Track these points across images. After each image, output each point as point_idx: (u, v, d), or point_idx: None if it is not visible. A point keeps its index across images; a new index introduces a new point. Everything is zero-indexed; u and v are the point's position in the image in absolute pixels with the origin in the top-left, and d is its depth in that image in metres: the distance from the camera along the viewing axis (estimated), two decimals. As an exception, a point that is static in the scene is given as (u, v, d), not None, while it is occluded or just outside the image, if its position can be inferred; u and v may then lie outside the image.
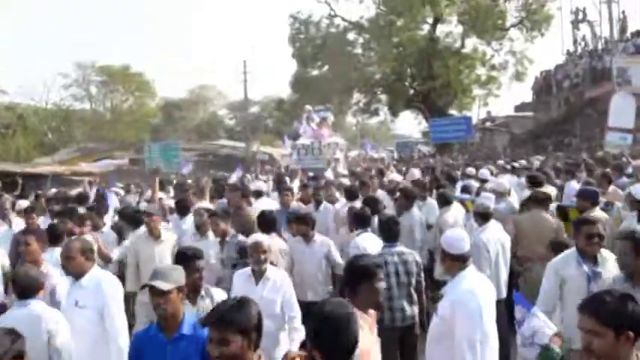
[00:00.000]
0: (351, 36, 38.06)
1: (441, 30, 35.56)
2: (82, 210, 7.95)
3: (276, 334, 4.64)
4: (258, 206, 8.41)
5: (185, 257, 4.06)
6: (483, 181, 9.74)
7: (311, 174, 13.91)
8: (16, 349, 2.85)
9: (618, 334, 2.38)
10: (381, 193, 9.26)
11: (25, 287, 3.95)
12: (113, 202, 9.66)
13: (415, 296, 5.30)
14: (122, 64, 50.84)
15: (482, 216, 6.17)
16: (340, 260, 6.48)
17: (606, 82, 23.59)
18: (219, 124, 60.45)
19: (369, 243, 5.77)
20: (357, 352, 2.82)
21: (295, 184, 11.46)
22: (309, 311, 2.70)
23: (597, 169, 9.60)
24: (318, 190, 8.91)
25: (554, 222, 6.30)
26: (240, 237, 5.97)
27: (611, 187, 7.65)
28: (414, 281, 5.29)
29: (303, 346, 3.51)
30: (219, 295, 4.18)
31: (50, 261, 5.04)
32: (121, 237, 7.09)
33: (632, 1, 45.65)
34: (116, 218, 8.35)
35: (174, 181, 14.49)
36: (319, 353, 2.52)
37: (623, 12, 29.40)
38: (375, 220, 6.34)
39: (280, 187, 9.58)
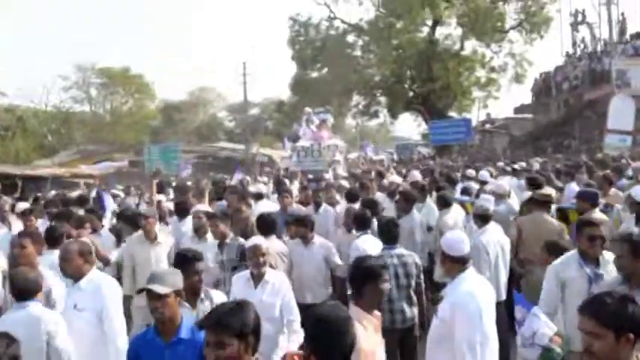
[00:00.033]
0: (350, 38, 38.12)
1: (440, 32, 35.65)
2: (81, 212, 7.95)
3: (275, 337, 4.61)
4: (258, 208, 8.41)
5: (185, 259, 4.05)
6: (483, 183, 9.74)
7: (310, 176, 13.91)
8: (11, 354, 2.84)
9: (618, 335, 2.37)
10: (379, 195, 9.26)
11: (24, 289, 3.94)
12: (110, 204, 9.65)
13: (415, 298, 5.30)
14: (122, 66, 50.93)
15: (482, 218, 6.17)
16: (340, 262, 6.48)
17: (605, 84, 23.64)
18: (219, 126, 60.47)
19: (369, 245, 5.76)
20: (362, 353, 2.83)
21: (295, 186, 11.46)
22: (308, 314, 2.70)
23: (598, 171, 9.60)
24: (318, 193, 8.90)
25: (557, 224, 6.27)
26: (241, 239, 5.95)
27: (612, 190, 7.65)
28: (413, 283, 5.29)
29: (301, 348, 3.51)
30: (219, 297, 4.16)
31: (48, 263, 5.02)
32: (119, 239, 7.08)
33: (632, 3, 45.80)
34: (114, 220, 8.33)
35: (174, 184, 14.48)
36: (316, 357, 2.52)
37: (623, 14, 29.50)
38: (374, 222, 6.37)
39: (280, 189, 9.58)
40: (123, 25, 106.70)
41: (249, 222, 7.22)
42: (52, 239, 5.56)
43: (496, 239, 6.02)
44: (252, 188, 11.01)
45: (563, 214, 6.78)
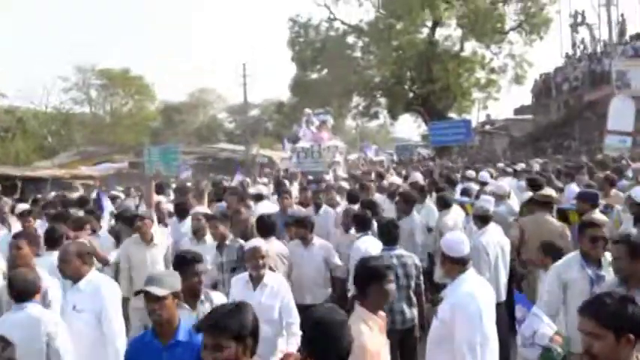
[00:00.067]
0: (350, 39, 38.13)
1: (440, 33, 35.68)
2: (80, 213, 7.94)
3: (273, 339, 4.60)
4: (258, 210, 8.41)
5: (184, 261, 4.03)
6: (483, 183, 9.74)
7: (310, 177, 13.91)
8: (7, 357, 2.83)
9: (618, 336, 2.37)
10: (379, 197, 9.25)
11: (22, 291, 3.93)
12: (108, 206, 9.62)
13: (414, 299, 5.31)
14: (122, 68, 50.98)
15: (482, 219, 6.17)
16: (340, 263, 6.47)
17: (605, 85, 23.63)
18: (219, 128, 60.52)
19: (370, 246, 5.76)
20: (367, 354, 2.83)
21: (295, 188, 11.45)
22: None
23: (598, 172, 9.61)
24: (318, 194, 8.89)
25: (559, 225, 6.24)
26: (241, 241, 5.94)
27: (613, 191, 7.65)
28: (413, 284, 5.30)
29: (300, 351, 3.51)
30: (219, 299, 4.14)
31: (47, 265, 5.01)
32: (118, 240, 7.07)
33: (631, 4, 45.77)
34: (112, 222, 8.32)
35: (174, 185, 14.47)
36: (313, 359, 2.51)
37: (622, 15, 29.51)
38: (373, 223, 6.37)
39: (279, 190, 9.57)
40: (123, 26, 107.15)
41: (248, 223, 7.21)
42: (52, 240, 5.55)
43: (496, 240, 6.01)
44: (252, 190, 11.00)
45: (563, 215, 6.78)
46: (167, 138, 45.55)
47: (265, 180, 14.87)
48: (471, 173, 11.48)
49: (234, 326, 2.47)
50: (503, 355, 4.48)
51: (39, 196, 14.18)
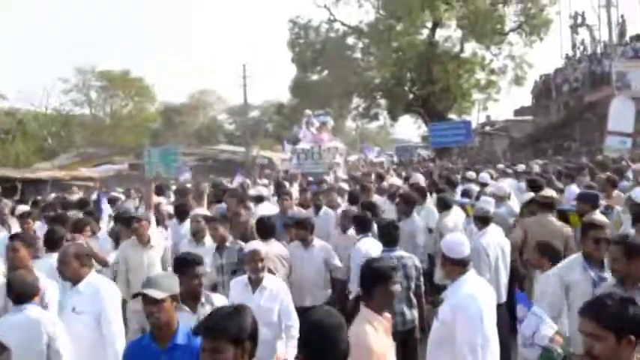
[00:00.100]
0: (350, 40, 38.14)
1: (440, 34, 35.69)
2: (79, 215, 7.92)
3: (273, 343, 4.58)
4: (259, 211, 8.40)
5: (184, 263, 4.00)
6: (483, 185, 9.74)
7: (311, 178, 13.91)
8: None
9: (619, 337, 2.37)
10: (377, 198, 9.22)
11: (21, 293, 3.93)
12: (106, 208, 9.62)
13: (415, 300, 5.30)
14: (122, 69, 51.06)
15: (482, 220, 6.16)
16: (340, 264, 6.47)
17: (605, 86, 23.63)
18: (219, 129, 60.56)
19: (371, 247, 5.76)
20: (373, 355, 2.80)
21: (295, 189, 11.44)
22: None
23: (599, 173, 9.61)
24: (318, 195, 8.87)
25: (562, 226, 6.20)
26: (242, 243, 5.92)
27: (615, 192, 7.65)
28: (413, 285, 5.29)
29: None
30: (220, 301, 4.11)
31: (46, 267, 5.00)
32: (118, 242, 7.04)
33: (631, 5, 45.82)
34: (111, 223, 8.30)
35: (174, 187, 14.47)
36: None
37: (622, 16, 29.50)
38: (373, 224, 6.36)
39: (279, 192, 9.56)
40: (123, 26, 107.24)
41: (248, 225, 7.19)
42: (51, 242, 5.54)
43: (496, 241, 6.01)
44: (252, 191, 10.99)
45: (563, 216, 6.77)
46: (167, 139, 45.58)
47: (265, 181, 14.87)
48: (471, 174, 11.48)
49: (232, 329, 2.44)
50: (504, 357, 4.48)
51: (39, 197, 14.19)
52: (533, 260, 5.24)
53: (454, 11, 33.25)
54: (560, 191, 8.47)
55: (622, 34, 28.99)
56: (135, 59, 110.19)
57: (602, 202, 6.75)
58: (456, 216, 7.54)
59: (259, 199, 9.47)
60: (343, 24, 37.52)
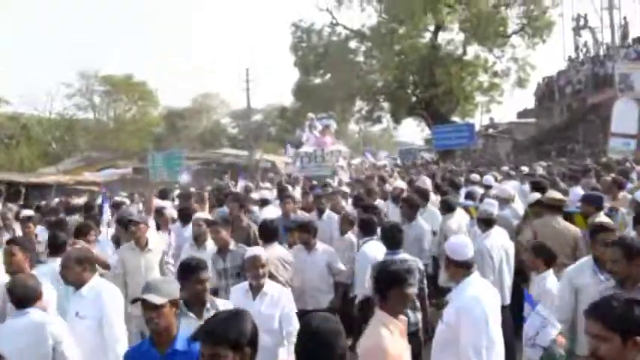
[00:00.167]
0: (353, 44, 38.16)
1: (442, 37, 35.69)
2: (79, 219, 7.92)
3: (274, 349, 4.53)
4: (263, 214, 8.39)
5: (189, 269, 3.97)
6: (487, 187, 9.72)
7: (314, 182, 13.89)
8: None
9: (625, 339, 2.36)
10: (379, 202, 9.18)
11: (23, 297, 3.92)
12: (106, 211, 9.59)
13: (418, 303, 5.28)
14: (125, 74, 51.20)
15: (486, 222, 6.15)
16: (343, 268, 6.45)
17: (608, 88, 23.59)
18: (222, 133, 60.66)
19: (376, 250, 5.74)
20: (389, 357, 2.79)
21: (297, 192, 11.43)
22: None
23: (605, 174, 9.59)
24: (320, 199, 8.82)
25: (572, 229, 6.17)
26: (246, 247, 5.90)
27: (621, 193, 7.63)
28: (416, 288, 5.26)
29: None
30: (226, 306, 4.10)
31: (50, 271, 4.99)
32: (119, 246, 7.02)
33: (633, 8, 45.65)
34: (111, 228, 8.26)
35: (177, 191, 14.49)
36: None
37: (625, 18, 29.44)
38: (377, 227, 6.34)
39: (282, 195, 9.55)
40: (124, 30, 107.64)
41: (250, 230, 7.16)
42: (54, 247, 5.53)
43: (500, 243, 5.99)
44: (255, 195, 10.99)
45: (567, 218, 6.75)
46: (170, 143, 45.67)
47: (268, 185, 14.86)
48: (475, 177, 11.47)
49: (232, 335, 2.39)
50: (509, 359, 4.46)
51: (43, 202, 14.23)
52: (528, 262, 5.22)
53: (456, 14, 33.27)
54: (565, 193, 8.45)
55: (624, 36, 28.95)
56: (137, 62, 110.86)
57: (607, 204, 6.73)
58: (459, 218, 7.53)
59: (264, 202, 9.46)
60: (346, 27, 37.60)
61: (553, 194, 6.72)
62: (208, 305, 3.99)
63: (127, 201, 12.71)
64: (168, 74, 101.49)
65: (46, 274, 4.85)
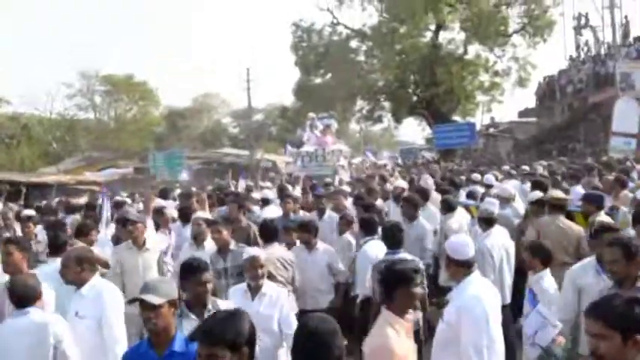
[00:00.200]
0: (353, 43, 38.10)
1: (443, 37, 35.60)
2: (78, 219, 7.90)
3: (273, 350, 4.52)
4: (265, 214, 8.38)
5: (190, 269, 3.95)
6: (488, 186, 9.72)
7: (315, 181, 13.88)
8: None
9: (625, 337, 2.35)
10: (379, 201, 9.16)
11: (24, 296, 3.92)
12: (106, 211, 9.58)
13: (418, 302, 5.27)
14: (126, 74, 51.24)
15: (487, 221, 6.15)
16: (343, 268, 6.44)
17: (610, 87, 23.57)
18: (223, 132, 60.70)
19: (378, 250, 5.73)
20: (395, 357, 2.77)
21: (298, 191, 11.42)
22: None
23: (607, 173, 9.58)
24: (321, 199, 8.79)
25: (576, 228, 6.16)
26: (247, 247, 5.88)
27: (623, 192, 7.62)
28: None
29: None
30: (227, 307, 4.09)
31: (50, 271, 4.98)
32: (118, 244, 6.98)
33: (635, 7, 45.64)
34: (110, 227, 8.24)
35: (178, 190, 14.49)
36: None
37: (626, 17, 29.40)
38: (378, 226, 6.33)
39: (282, 195, 9.54)
40: (124, 29, 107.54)
41: (250, 231, 7.14)
42: (55, 247, 5.52)
43: (501, 243, 5.99)
44: (256, 194, 10.99)
45: (568, 217, 6.75)
46: (171, 143, 45.70)
47: (269, 184, 14.86)
48: (476, 176, 11.47)
49: (229, 335, 2.38)
50: (510, 358, 4.46)
51: (44, 202, 14.24)
52: (525, 261, 5.19)
53: (457, 13, 33.22)
54: (566, 192, 8.44)
55: (626, 35, 28.92)
56: (138, 62, 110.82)
57: (607, 203, 6.72)
58: (460, 217, 7.53)
59: (266, 202, 9.45)
60: (346, 27, 37.54)
61: (556, 193, 6.72)
62: (210, 306, 3.96)
63: (129, 200, 12.73)
64: (169, 74, 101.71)
65: (48, 273, 4.84)
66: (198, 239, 6.48)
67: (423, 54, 33.55)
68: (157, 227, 7.68)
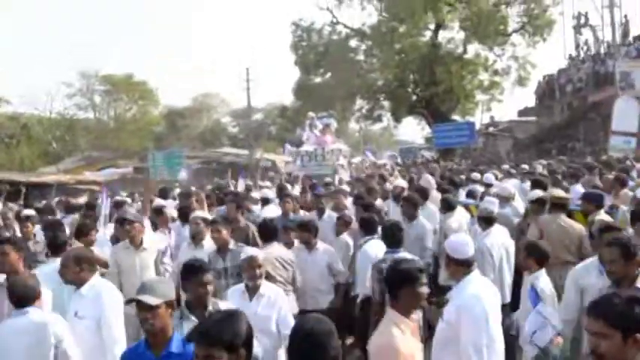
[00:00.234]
0: (353, 43, 38.10)
1: (443, 36, 35.62)
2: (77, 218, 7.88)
3: (272, 351, 4.50)
4: (264, 213, 8.36)
5: (191, 270, 3.94)
6: (488, 185, 9.72)
7: (315, 180, 13.87)
8: None
9: (626, 336, 2.35)
10: (379, 201, 9.15)
11: (23, 296, 3.91)
12: (103, 210, 9.57)
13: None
14: (125, 73, 51.19)
15: (486, 220, 6.15)
16: (342, 268, 6.43)
17: (609, 86, 23.57)
18: (223, 132, 60.69)
19: (378, 249, 5.72)
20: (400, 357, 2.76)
21: (296, 191, 11.41)
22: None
23: (607, 172, 9.58)
24: (321, 199, 8.77)
25: (579, 227, 6.15)
26: (246, 246, 5.87)
27: (624, 191, 7.61)
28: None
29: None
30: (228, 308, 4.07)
31: (50, 271, 4.97)
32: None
33: (634, 6, 45.67)
34: (107, 227, 8.23)
35: (178, 190, 14.49)
36: None
37: (625, 16, 29.42)
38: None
39: (281, 194, 9.52)
40: (124, 29, 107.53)
41: (249, 230, 7.12)
42: (54, 247, 5.51)
43: (500, 242, 5.99)
44: (255, 194, 10.97)
45: (568, 216, 6.74)
46: (171, 143, 45.68)
47: (268, 184, 14.86)
48: (475, 175, 11.47)
49: (226, 336, 2.37)
50: (509, 357, 4.46)
51: (43, 202, 14.23)
52: (522, 261, 5.18)
53: (457, 13, 33.22)
54: (565, 191, 8.44)
55: (625, 34, 28.92)
56: (137, 62, 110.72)
57: (607, 202, 6.71)
58: (459, 216, 7.52)
59: (265, 201, 9.43)
60: (346, 26, 37.55)
61: (557, 192, 6.71)
62: (210, 308, 3.94)
63: (129, 200, 12.71)
64: (169, 73, 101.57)
65: (48, 273, 4.84)
66: (196, 238, 6.43)
67: (422, 53, 33.55)
68: (155, 227, 7.67)
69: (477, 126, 31.66)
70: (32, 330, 3.79)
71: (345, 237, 7.05)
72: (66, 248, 5.39)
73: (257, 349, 3.79)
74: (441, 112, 33.68)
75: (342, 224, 7.14)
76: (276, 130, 52.37)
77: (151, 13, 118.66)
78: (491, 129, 37.71)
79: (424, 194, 8.35)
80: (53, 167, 34.92)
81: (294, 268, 5.88)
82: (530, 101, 37.21)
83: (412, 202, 7.43)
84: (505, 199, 7.74)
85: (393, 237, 5.46)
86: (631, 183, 8.65)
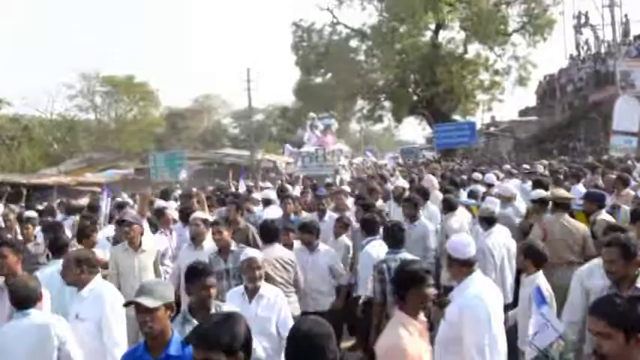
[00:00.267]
0: (353, 43, 38.15)
1: (443, 36, 35.70)
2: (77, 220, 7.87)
3: (272, 354, 4.45)
4: (266, 214, 8.34)
5: (195, 273, 3.91)
6: (489, 185, 9.71)
7: (315, 181, 13.87)
8: None
9: (628, 336, 2.35)
10: (379, 202, 9.14)
11: (25, 297, 3.90)
12: (103, 210, 9.56)
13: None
14: (126, 75, 51.19)
15: (488, 220, 6.14)
16: (343, 271, 6.41)
17: (610, 85, 23.58)
18: (224, 133, 60.70)
19: (380, 250, 5.71)
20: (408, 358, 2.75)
21: (297, 192, 11.40)
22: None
23: (609, 172, 9.57)
24: (322, 199, 8.74)
25: (582, 227, 6.11)
26: (248, 248, 5.85)
27: (626, 190, 7.60)
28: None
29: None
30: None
31: (51, 273, 4.96)
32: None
33: (635, 5, 45.65)
34: (111, 229, 8.23)
35: (179, 191, 14.48)
36: None
37: (626, 16, 29.40)
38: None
39: (282, 195, 9.51)
40: (125, 30, 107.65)
41: (249, 232, 7.10)
42: (56, 249, 5.51)
43: (502, 242, 5.98)
44: (256, 195, 10.96)
45: (569, 216, 6.73)
46: (172, 144, 45.75)
47: (269, 185, 14.85)
48: (477, 175, 11.44)
49: (224, 339, 2.34)
50: (512, 358, 4.45)
51: (45, 204, 14.23)
52: (519, 262, 5.16)
53: (457, 13, 33.25)
54: (567, 191, 8.43)
55: (626, 33, 28.91)
56: (138, 63, 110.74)
57: (609, 202, 6.71)
58: (461, 217, 7.50)
59: (267, 202, 9.42)
60: (346, 27, 37.59)
61: (560, 192, 6.69)
62: (213, 311, 3.89)
63: (131, 202, 12.71)
64: (170, 75, 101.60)
65: (49, 275, 4.83)
66: (196, 240, 6.36)
67: (423, 53, 33.58)
68: (156, 229, 7.66)
69: (478, 126, 31.71)
70: (35, 332, 3.78)
71: (345, 239, 7.03)
72: (67, 250, 5.39)
73: (259, 352, 3.79)
74: (442, 112, 33.71)
75: (341, 226, 7.12)
76: (277, 130, 52.45)
77: (151, 14, 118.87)
78: (492, 129, 37.73)
79: (425, 194, 8.34)
80: (54, 169, 34.96)
81: (295, 269, 5.84)
82: (531, 101, 37.31)
83: (413, 202, 7.40)
84: (506, 200, 7.73)
85: (394, 237, 5.44)
86: (632, 182, 8.64)
